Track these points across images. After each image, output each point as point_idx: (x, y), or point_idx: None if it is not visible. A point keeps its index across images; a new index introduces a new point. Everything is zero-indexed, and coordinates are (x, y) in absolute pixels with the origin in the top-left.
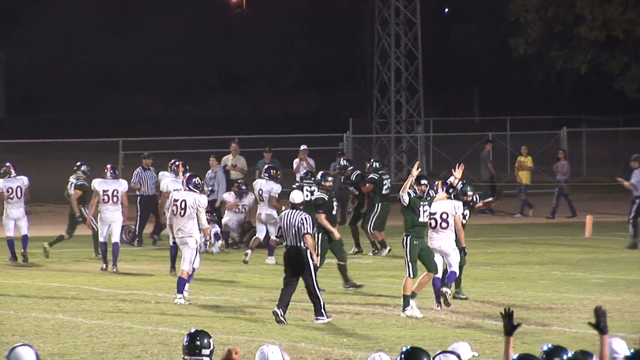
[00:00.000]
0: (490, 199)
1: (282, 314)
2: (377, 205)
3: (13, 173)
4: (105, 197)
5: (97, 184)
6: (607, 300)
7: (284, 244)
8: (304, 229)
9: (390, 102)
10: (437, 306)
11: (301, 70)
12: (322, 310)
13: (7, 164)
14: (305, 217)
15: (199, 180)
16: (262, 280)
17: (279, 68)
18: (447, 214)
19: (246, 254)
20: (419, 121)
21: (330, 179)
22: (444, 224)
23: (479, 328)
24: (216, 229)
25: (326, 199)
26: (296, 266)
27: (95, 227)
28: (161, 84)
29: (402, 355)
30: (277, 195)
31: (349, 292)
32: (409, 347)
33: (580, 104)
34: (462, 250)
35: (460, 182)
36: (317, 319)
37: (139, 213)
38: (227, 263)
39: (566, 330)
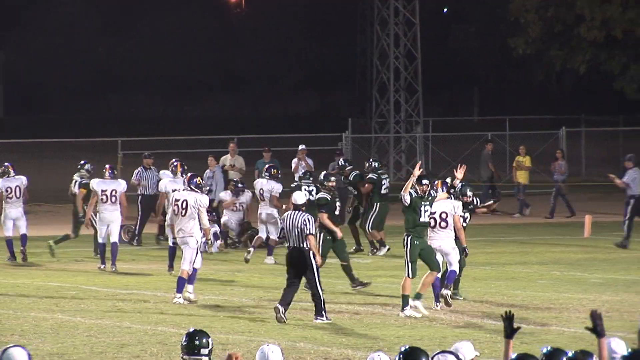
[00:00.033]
0: (491, 201)
1: (284, 311)
2: (375, 204)
3: (12, 173)
4: (104, 197)
5: (96, 184)
6: (606, 300)
7: (286, 244)
8: (307, 230)
9: (390, 102)
10: (437, 305)
11: (301, 70)
12: (323, 311)
13: (6, 163)
14: (308, 218)
15: (201, 180)
16: (261, 280)
17: (278, 68)
18: (447, 214)
19: (248, 252)
20: (418, 121)
21: (333, 179)
22: (442, 224)
23: (478, 328)
24: (215, 228)
25: (329, 199)
26: (299, 267)
27: (94, 227)
28: (161, 84)
29: (401, 355)
30: (278, 195)
31: (349, 292)
32: (407, 347)
33: (579, 104)
34: (463, 251)
35: (460, 183)
36: (316, 319)
37: (139, 212)
38: (226, 263)
39: (565, 330)
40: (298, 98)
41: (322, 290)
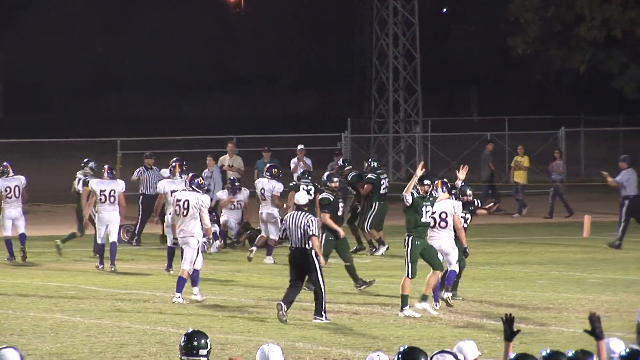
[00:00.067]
0: (492, 204)
1: (286, 309)
2: (374, 204)
3: (11, 172)
4: (103, 197)
5: (95, 184)
6: (605, 300)
7: (288, 245)
8: (310, 231)
9: (389, 102)
10: (437, 305)
11: (300, 70)
12: (323, 311)
13: (5, 163)
14: (311, 219)
15: (202, 180)
16: (261, 279)
17: (278, 68)
18: (447, 214)
19: (251, 251)
20: (417, 121)
21: (335, 179)
22: (442, 223)
23: (477, 328)
24: (215, 228)
25: (331, 199)
26: (301, 267)
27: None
28: (160, 84)
29: (400, 355)
30: (279, 194)
31: (348, 292)
32: (406, 347)
33: (579, 103)
34: (464, 252)
35: (461, 183)
36: (315, 319)
37: (140, 212)
38: (226, 263)
39: (564, 330)
40: (297, 98)
41: (325, 290)
